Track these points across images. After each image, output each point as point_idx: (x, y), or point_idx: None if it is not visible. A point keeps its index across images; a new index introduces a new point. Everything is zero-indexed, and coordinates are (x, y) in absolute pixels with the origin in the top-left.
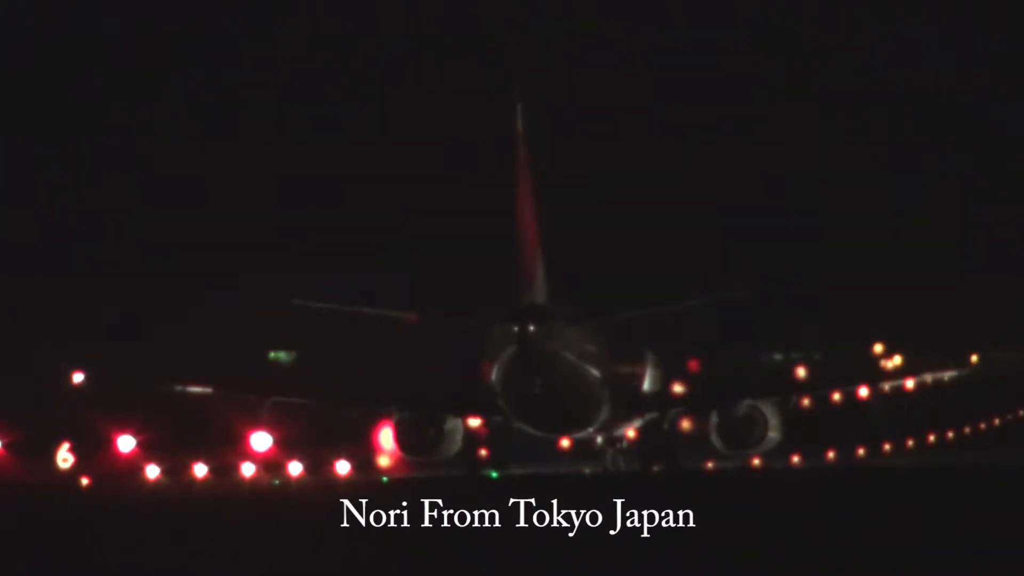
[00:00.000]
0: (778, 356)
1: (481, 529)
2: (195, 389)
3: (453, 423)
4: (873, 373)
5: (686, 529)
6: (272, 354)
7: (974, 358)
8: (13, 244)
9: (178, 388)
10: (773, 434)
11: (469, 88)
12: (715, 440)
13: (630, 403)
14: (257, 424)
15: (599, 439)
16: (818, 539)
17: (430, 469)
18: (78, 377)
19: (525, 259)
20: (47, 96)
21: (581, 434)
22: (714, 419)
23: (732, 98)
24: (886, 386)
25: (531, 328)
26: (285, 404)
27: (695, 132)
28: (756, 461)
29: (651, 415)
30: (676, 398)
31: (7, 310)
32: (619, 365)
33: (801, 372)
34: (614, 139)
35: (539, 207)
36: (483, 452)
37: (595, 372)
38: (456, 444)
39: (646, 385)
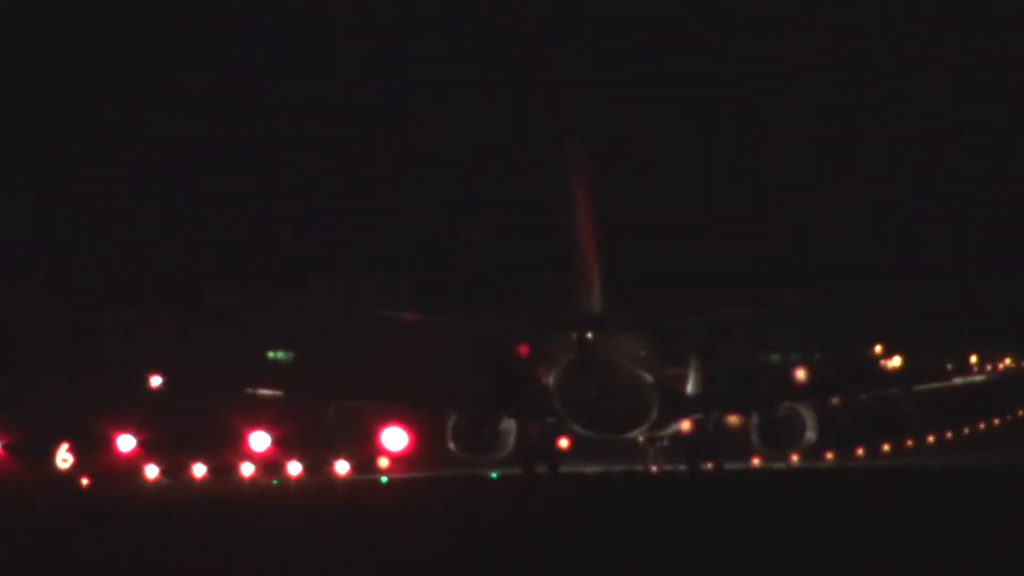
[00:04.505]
0: (776, 358)
1: (491, 529)
2: (265, 392)
3: (507, 424)
4: (908, 376)
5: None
6: (271, 354)
7: (973, 359)
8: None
9: (248, 391)
10: (810, 434)
11: (526, 101)
12: (755, 440)
13: (677, 405)
14: (323, 426)
15: (640, 439)
16: (819, 539)
17: (484, 468)
18: (155, 380)
19: (583, 269)
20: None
21: (631, 435)
22: (754, 420)
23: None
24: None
25: (589, 335)
26: (289, 403)
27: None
28: (755, 462)
29: (696, 416)
30: (720, 400)
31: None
32: (667, 369)
33: (801, 374)
34: (661, 152)
35: (596, 220)
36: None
37: (647, 376)
38: (509, 445)
39: (689, 387)
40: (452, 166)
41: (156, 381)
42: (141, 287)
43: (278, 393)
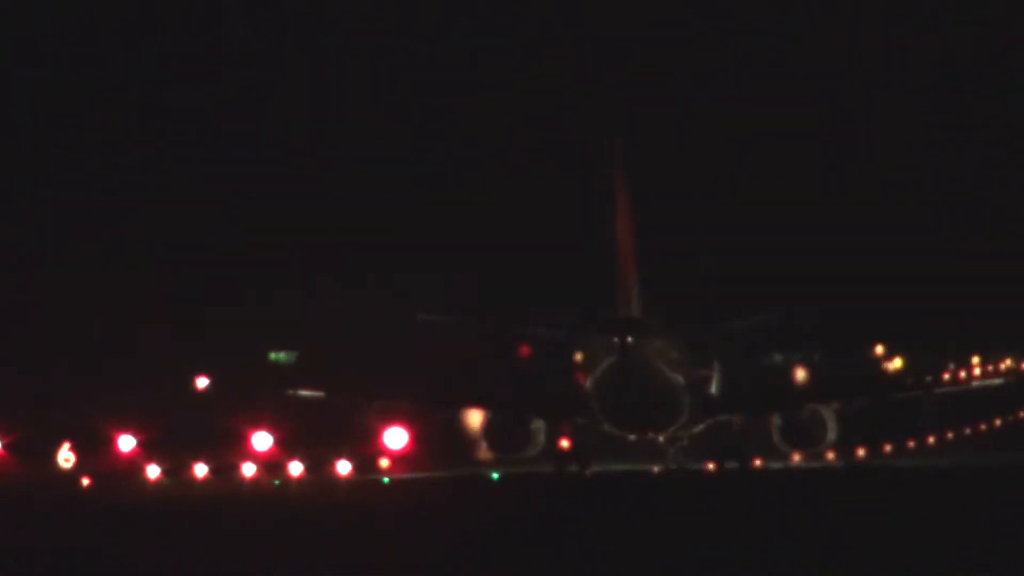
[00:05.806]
0: (778, 358)
1: (491, 529)
2: (306, 393)
3: (538, 424)
4: (930, 379)
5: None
6: (272, 354)
7: (975, 359)
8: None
9: (290, 392)
10: (831, 435)
11: (571, 113)
12: (777, 440)
13: (705, 406)
14: (361, 426)
15: (661, 438)
16: (823, 538)
17: (516, 465)
18: (202, 382)
19: (623, 277)
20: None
21: (661, 435)
22: (777, 421)
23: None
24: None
25: (630, 339)
26: (297, 402)
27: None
28: (757, 462)
29: (722, 417)
30: (746, 401)
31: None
32: (695, 371)
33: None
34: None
35: (636, 230)
36: (565, 446)
37: (680, 379)
38: (540, 444)
39: (713, 389)
40: (496, 170)
41: (202, 383)
42: (165, 293)
43: (319, 394)
